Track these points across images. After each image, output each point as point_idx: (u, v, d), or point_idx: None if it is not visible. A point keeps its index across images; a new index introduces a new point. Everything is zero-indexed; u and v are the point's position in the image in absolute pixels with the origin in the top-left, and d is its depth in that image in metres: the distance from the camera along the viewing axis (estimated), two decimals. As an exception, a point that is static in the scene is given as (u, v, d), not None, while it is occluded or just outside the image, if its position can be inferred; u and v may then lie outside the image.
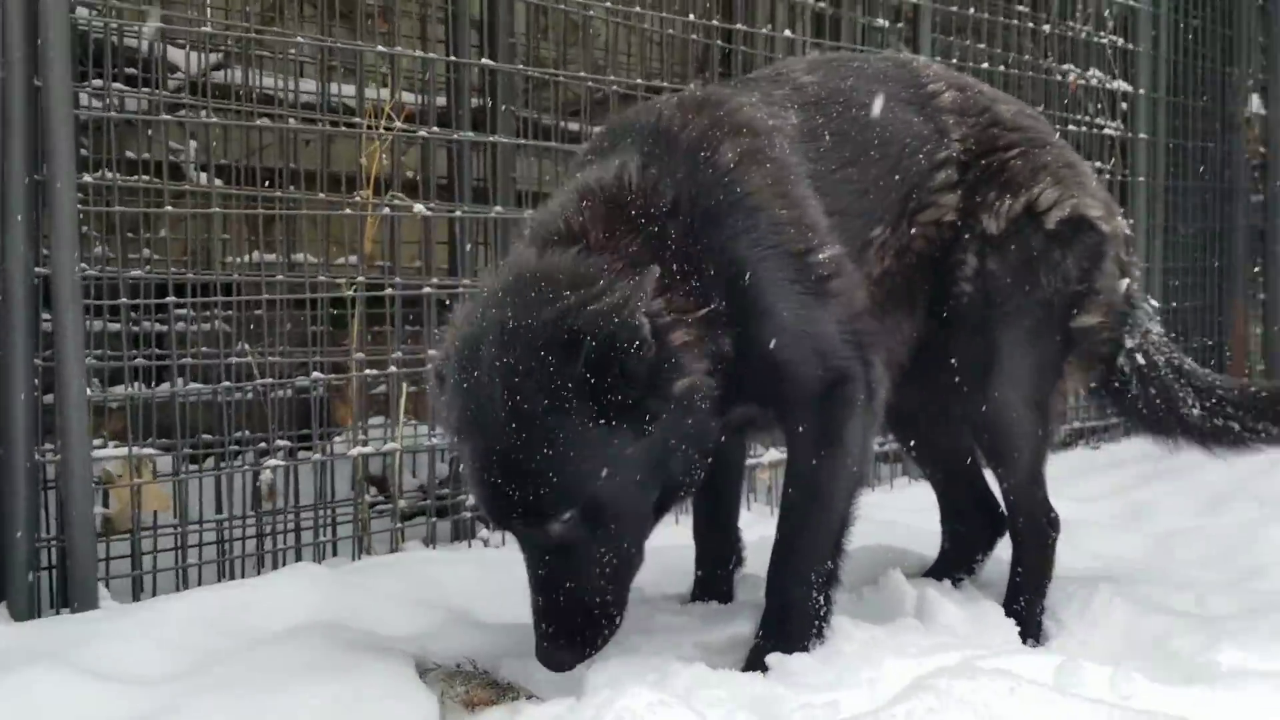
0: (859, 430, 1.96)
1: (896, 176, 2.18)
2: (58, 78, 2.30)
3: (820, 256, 1.95)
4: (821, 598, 1.94)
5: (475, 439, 1.73)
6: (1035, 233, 2.23)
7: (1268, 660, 1.77)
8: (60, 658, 1.85)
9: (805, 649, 1.88)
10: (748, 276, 1.88)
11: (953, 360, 2.22)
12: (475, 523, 3.27)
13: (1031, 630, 2.20)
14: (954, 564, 2.54)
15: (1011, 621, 2.16)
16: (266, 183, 2.92)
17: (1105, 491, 3.70)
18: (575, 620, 1.76)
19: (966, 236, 2.21)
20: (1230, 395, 2.42)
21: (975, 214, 2.22)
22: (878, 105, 2.21)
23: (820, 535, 1.95)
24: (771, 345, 1.89)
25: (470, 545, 3.18)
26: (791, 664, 1.77)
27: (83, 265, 2.42)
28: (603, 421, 1.67)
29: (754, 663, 1.88)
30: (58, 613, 2.48)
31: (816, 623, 1.93)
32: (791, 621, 1.92)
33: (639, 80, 3.76)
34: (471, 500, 3.22)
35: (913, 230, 2.20)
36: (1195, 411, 2.41)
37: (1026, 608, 2.24)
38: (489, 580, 2.61)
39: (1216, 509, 3.28)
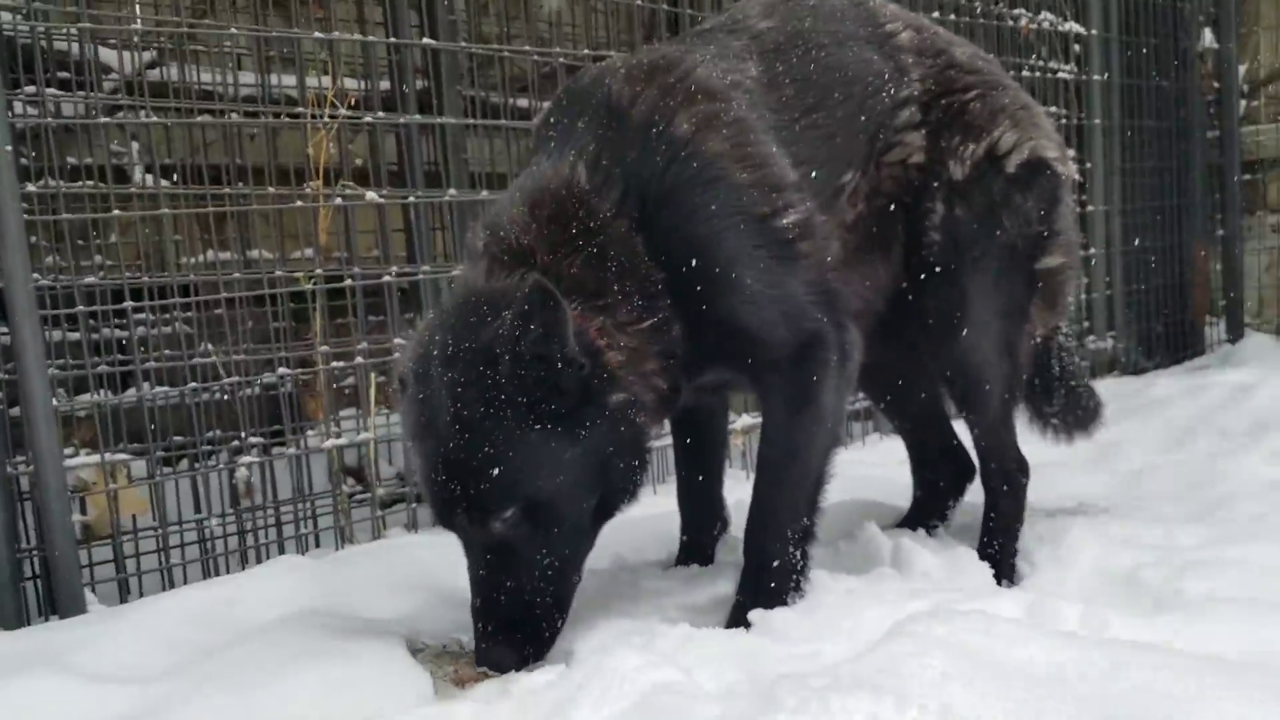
0: (832, 390, 1.98)
1: (862, 117, 2.18)
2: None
3: (786, 219, 1.95)
4: (799, 554, 1.97)
5: (425, 443, 1.81)
6: (997, 176, 2.25)
7: (1234, 587, 1.81)
8: (54, 662, 1.86)
9: (784, 604, 1.91)
10: (708, 250, 1.89)
11: (924, 308, 2.25)
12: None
13: (1005, 572, 2.24)
14: (927, 512, 2.58)
15: (985, 565, 2.19)
16: (215, 180, 2.89)
17: (1075, 432, 3.74)
18: (515, 621, 1.81)
19: (935, 184, 2.23)
20: (1076, 401, 2.61)
21: (942, 160, 2.23)
22: (838, 45, 2.20)
23: (796, 494, 1.98)
24: (738, 314, 1.91)
25: (451, 529, 3.19)
26: (773, 619, 1.79)
27: (35, 275, 2.40)
28: (539, 428, 1.76)
29: (736, 620, 1.91)
30: (45, 620, 2.47)
31: (795, 579, 1.95)
32: (770, 579, 1.94)
33: (585, 51, 3.73)
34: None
35: (881, 172, 2.20)
36: (1050, 408, 2.61)
37: (1000, 551, 2.28)
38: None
39: (1182, 444, 3.33)
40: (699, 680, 1.52)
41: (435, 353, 1.80)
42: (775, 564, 1.95)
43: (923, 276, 2.24)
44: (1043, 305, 2.37)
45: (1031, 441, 3.65)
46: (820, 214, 2.05)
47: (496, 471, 1.74)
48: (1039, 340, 2.45)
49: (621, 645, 1.62)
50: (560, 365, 1.74)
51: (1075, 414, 2.63)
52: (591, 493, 1.83)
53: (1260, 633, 1.58)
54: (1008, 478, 2.35)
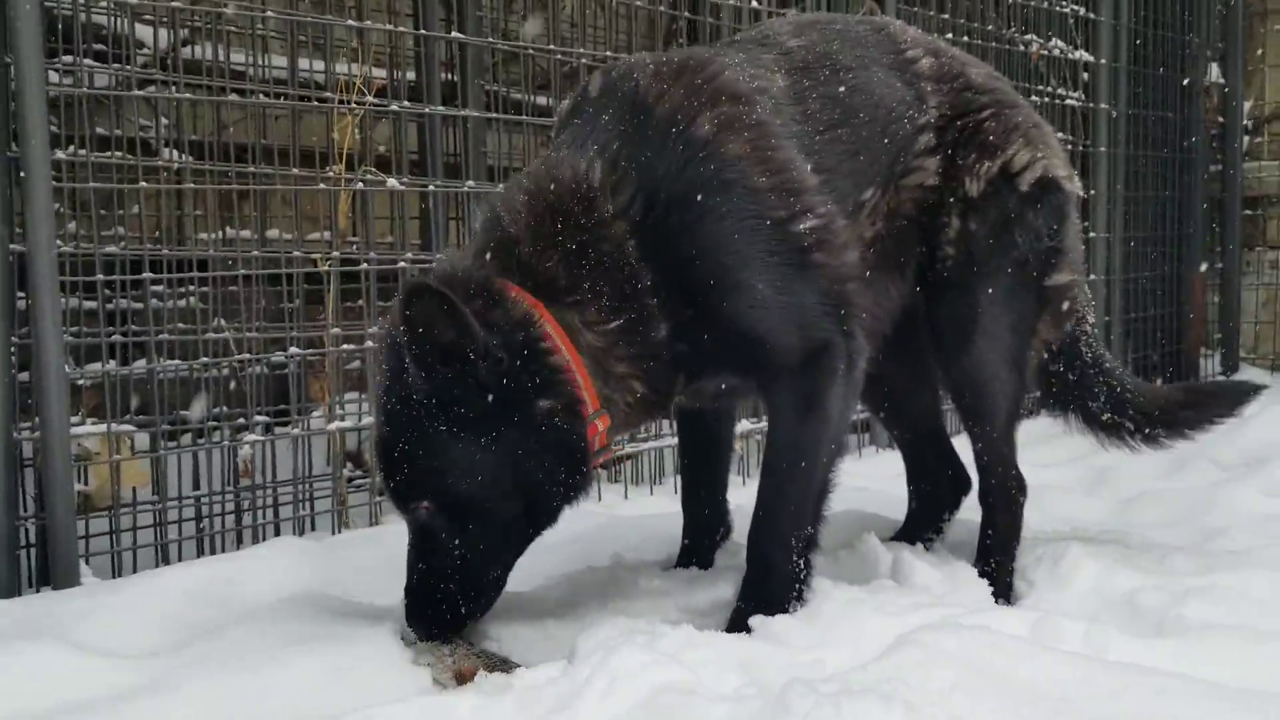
0: (839, 399, 2.00)
1: (886, 140, 2.21)
2: (29, 54, 2.28)
3: (803, 225, 1.96)
4: (802, 561, 1.99)
5: (374, 426, 1.92)
6: (1011, 193, 2.29)
7: (1231, 615, 1.84)
8: (53, 633, 1.86)
9: (786, 611, 1.92)
10: (718, 252, 1.90)
11: (937, 321, 2.28)
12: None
13: (1002, 590, 2.26)
14: (922, 524, 2.61)
15: (984, 581, 2.22)
16: (237, 159, 2.91)
17: (1068, 457, 3.78)
18: (433, 600, 1.89)
19: (950, 200, 2.27)
20: (1130, 396, 2.55)
21: (957, 177, 2.27)
22: (864, 69, 2.24)
23: (801, 501, 1.99)
24: (746, 319, 1.92)
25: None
26: (774, 624, 1.81)
27: (57, 242, 2.41)
28: (448, 428, 1.80)
29: (736, 625, 1.93)
30: (37, 591, 2.48)
31: (797, 586, 1.97)
32: (772, 584, 1.96)
33: (607, 53, 3.76)
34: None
35: (900, 195, 2.23)
36: (1097, 404, 2.54)
37: (997, 568, 2.30)
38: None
39: (1176, 473, 3.37)
40: (705, 681, 1.54)
41: (384, 339, 1.88)
42: (778, 570, 1.96)
43: (936, 290, 2.28)
44: (1050, 322, 2.39)
45: (1026, 463, 3.70)
46: (840, 219, 2.06)
47: (407, 467, 1.82)
48: (1056, 345, 2.47)
49: (625, 643, 1.64)
50: (474, 360, 1.76)
51: (1140, 415, 2.56)
52: (513, 494, 1.85)
53: (1259, 663, 1.61)
54: (1007, 495, 2.37)
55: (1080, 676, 1.42)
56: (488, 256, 1.89)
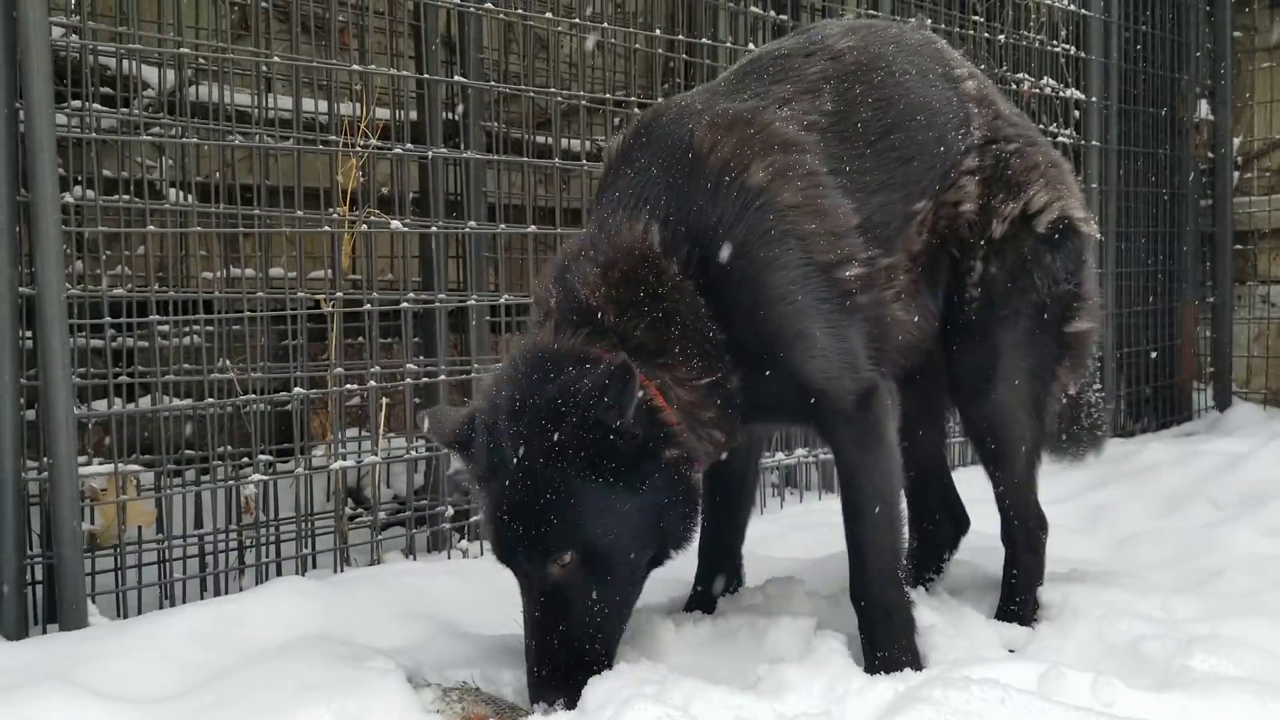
0: (893, 431, 2.07)
1: (941, 148, 2.22)
2: (39, 100, 2.30)
3: (849, 272, 2.00)
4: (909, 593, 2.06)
5: (492, 485, 1.89)
6: (1029, 235, 2.30)
7: (1239, 666, 1.86)
8: (64, 677, 1.87)
9: (914, 649, 2.00)
10: (778, 303, 1.95)
11: (957, 366, 2.31)
12: (453, 533, 3.30)
13: (1028, 623, 2.29)
14: (923, 564, 2.61)
15: (989, 625, 2.23)
16: (238, 199, 2.93)
17: (1064, 494, 3.79)
18: (566, 662, 1.86)
19: (981, 241, 2.27)
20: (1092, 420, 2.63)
21: (988, 216, 2.28)
22: (921, 76, 2.24)
23: (895, 536, 2.06)
24: (807, 367, 1.97)
25: (449, 556, 3.22)
26: (784, 673, 1.82)
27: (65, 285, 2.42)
28: (597, 480, 1.84)
29: (878, 668, 1.95)
30: (44, 630, 2.48)
31: (912, 619, 2.04)
32: (895, 625, 2.01)
33: (607, 95, 3.82)
34: (450, 513, 3.28)
35: (940, 211, 2.24)
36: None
37: (1021, 606, 2.33)
38: (471, 591, 2.65)
39: (1173, 512, 3.39)
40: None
41: (505, 405, 1.88)
42: (898, 609, 2.01)
43: (959, 333, 2.30)
44: (1069, 368, 2.41)
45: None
46: (885, 256, 2.10)
47: (555, 517, 1.82)
48: (1067, 399, 2.49)
49: (636, 696, 1.64)
50: (619, 432, 1.82)
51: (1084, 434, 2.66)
52: (646, 541, 1.90)
53: (1267, 717, 1.62)
54: (1030, 535, 2.40)
55: (1090, 732, 1.44)
56: (579, 329, 1.93)
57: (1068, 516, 3.45)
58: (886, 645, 2.00)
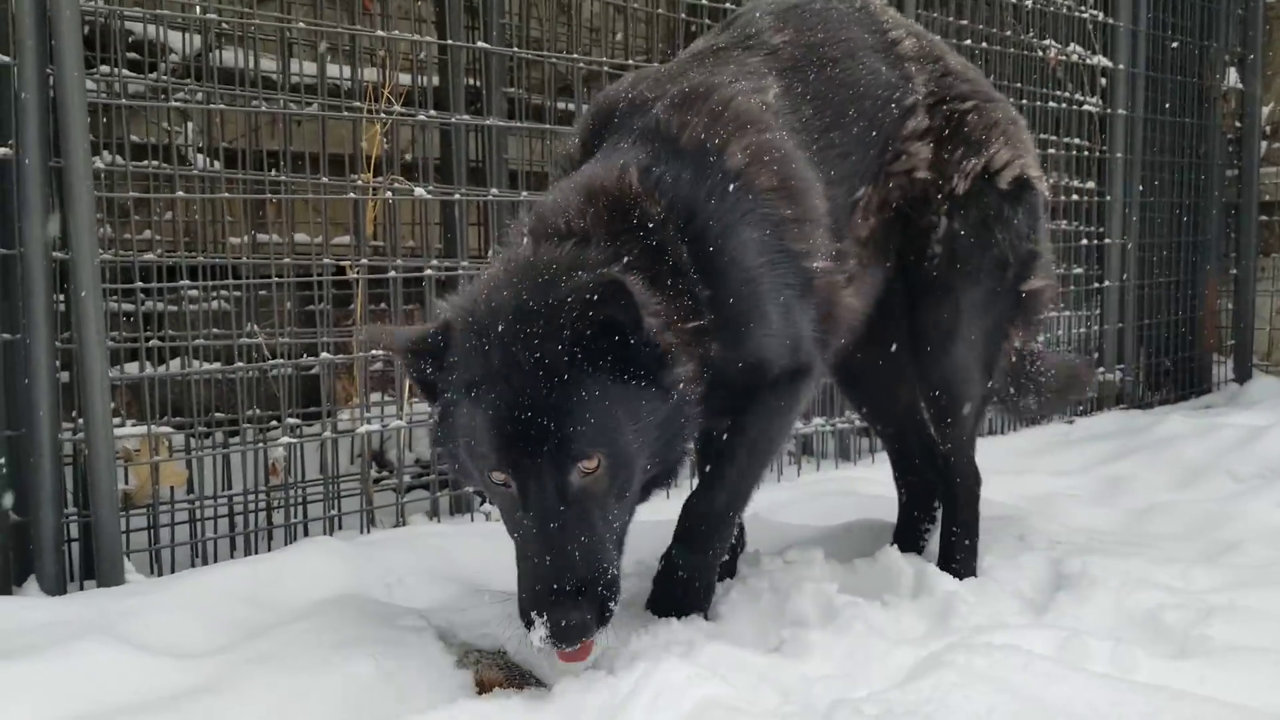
0: (798, 408, 2.12)
1: (874, 132, 2.23)
2: (70, 66, 2.32)
3: (815, 264, 2.02)
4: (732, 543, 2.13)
5: (500, 388, 1.69)
6: (992, 192, 2.33)
7: (1255, 636, 1.87)
8: (108, 630, 1.91)
9: (710, 567, 2.06)
10: (749, 285, 1.93)
11: (918, 322, 2.34)
12: (475, 496, 3.35)
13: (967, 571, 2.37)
14: (915, 519, 2.65)
15: (1004, 590, 2.26)
16: (272, 169, 2.96)
17: (1081, 465, 3.81)
18: (585, 582, 1.66)
19: (939, 197, 2.30)
20: (1035, 370, 2.65)
21: (945, 173, 2.30)
22: (849, 58, 2.25)
23: (747, 491, 2.10)
24: (761, 346, 1.97)
25: (473, 518, 3.26)
26: (806, 636, 1.85)
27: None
28: (628, 381, 1.73)
29: (663, 584, 2.04)
30: (80, 586, 2.54)
31: (712, 585, 2.08)
32: (708, 546, 2.05)
33: (629, 61, 3.80)
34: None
35: (889, 183, 2.26)
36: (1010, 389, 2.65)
37: (962, 562, 2.40)
38: (496, 553, 2.68)
39: (1191, 483, 3.39)
40: (746, 697, 1.57)
41: (500, 308, 1.73)
42: (721, 533, 2.06)
43: (921, 290, 2.32)
44: (1023, 326, 2.46)
45: (1039, 471, 3.73)
46: (836, 242, 2.11)
47: (589, 416, 1.68)
48: (1024, 348, 2.55)
49: (665, 654, 1.66)
50: (641, 338, 1.73)
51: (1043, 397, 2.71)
52: (659, 455, 1.81)
53: (1285, 686, 1.63)
54: (970, 491, 2.46)
55: (1112, 699, 1.46)
56: (563, 244, 1.83)
57: (1084, 487, 3.47)
58: (684, 553, 2.04)
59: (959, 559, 2.41)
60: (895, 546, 2.38)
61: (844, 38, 2.27)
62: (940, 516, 2.60)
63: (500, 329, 1.71)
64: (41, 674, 1.73)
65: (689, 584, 2.03)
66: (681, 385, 1.80)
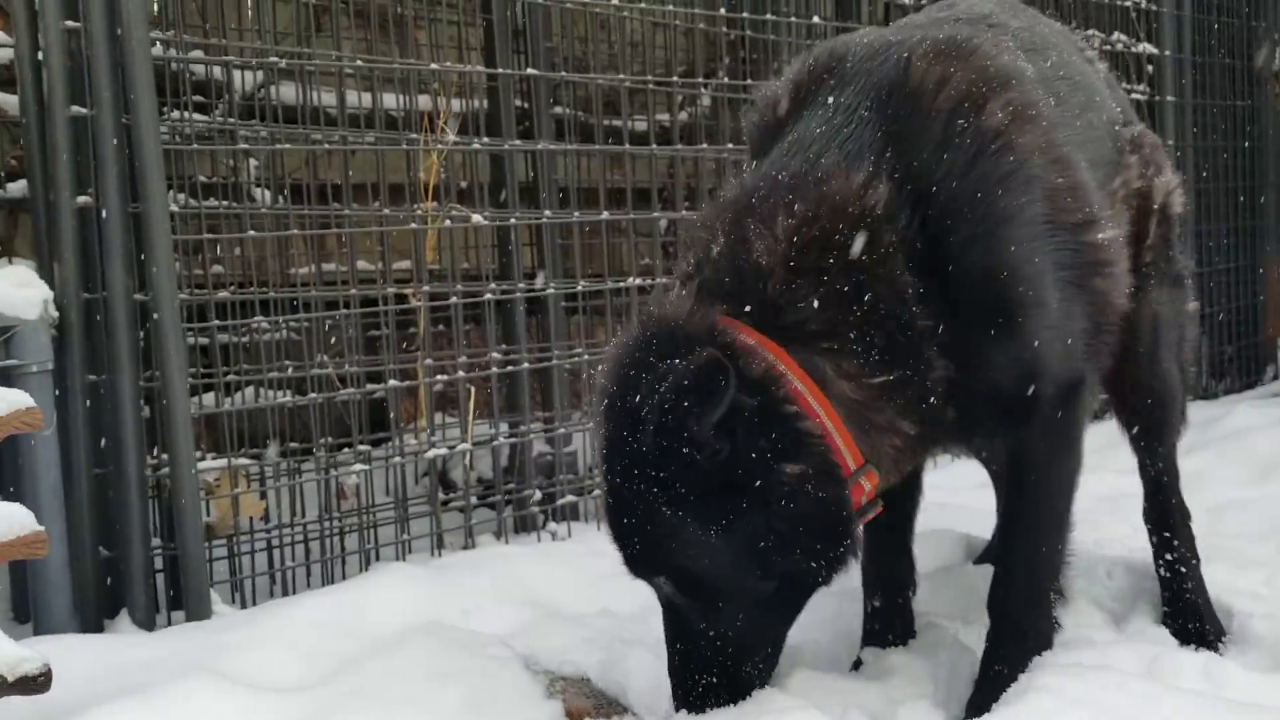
0: (1084, 434, 1.87)
1: (1115, 127, 2.11)
2: (146, 115, 2.39)
3: (1099, 236, 1.74)
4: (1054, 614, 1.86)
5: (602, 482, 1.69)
6: (1173, 210, 2.27)
7: (1352, 649, 1.83)
8: (208, 668, 1.94)
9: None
10: (1019, 262, 1.65)
11: (1136, 330, 2.12)
12: (539, 515, 3.39)
13: (1216, 633, 2.10)
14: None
15: (1085, 600, 2.23)
16: (325, 196, 3.03)
17: (1149, 461, 3.75)
18: (697, 679, 1.69)
19: (1153, 207, 2.18)
20: None
21: (1149, 185, 2.19)
22: (1078, 54, 2.18)
23: (1057, 551, 1.85)
24: (1036, 342, 1.67)
25: (539, 539, 3.30)
26: (888, 659, 1.84)
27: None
28: (683, 502, 1.57)
29: (988, 697, 1.72)
30: (168, 617, 2.61)
31: (1050, 643, 1.81)
32: (1029, 646, 1.77)
33: (674, 79, 3.83)
34: (538, 496, 3.36)
35: (1122, 183, 2.10)
36: None
37: (1204, 611, 2.13)
38: (566, 574, 2.72)
39: (1266, 479, 3.30)
40: None
41: (600, 398, 1.68)
42: (1036, 631, 1.79)
43: (1136, 298, 2.08)
44: (1192, 344, 2.43)
45: (1106, 469, 3.66)
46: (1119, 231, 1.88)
47: (639, 540, 1.63)
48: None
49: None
50: (695, 445, 1.54)
51: None
52: (763, 574, 1.61)
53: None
54: (1185, 513, 2.30)
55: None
56: (720, 294, 1.62)
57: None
58: (1011, 665, 1.74)
59: (1197, 619, 2.10)
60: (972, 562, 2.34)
61: (1063, 41, 2.20)
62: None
63: (594, 425, 1.68)
64: (152, 715, 1.77)
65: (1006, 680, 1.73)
66: (794, 480, 1.56)
